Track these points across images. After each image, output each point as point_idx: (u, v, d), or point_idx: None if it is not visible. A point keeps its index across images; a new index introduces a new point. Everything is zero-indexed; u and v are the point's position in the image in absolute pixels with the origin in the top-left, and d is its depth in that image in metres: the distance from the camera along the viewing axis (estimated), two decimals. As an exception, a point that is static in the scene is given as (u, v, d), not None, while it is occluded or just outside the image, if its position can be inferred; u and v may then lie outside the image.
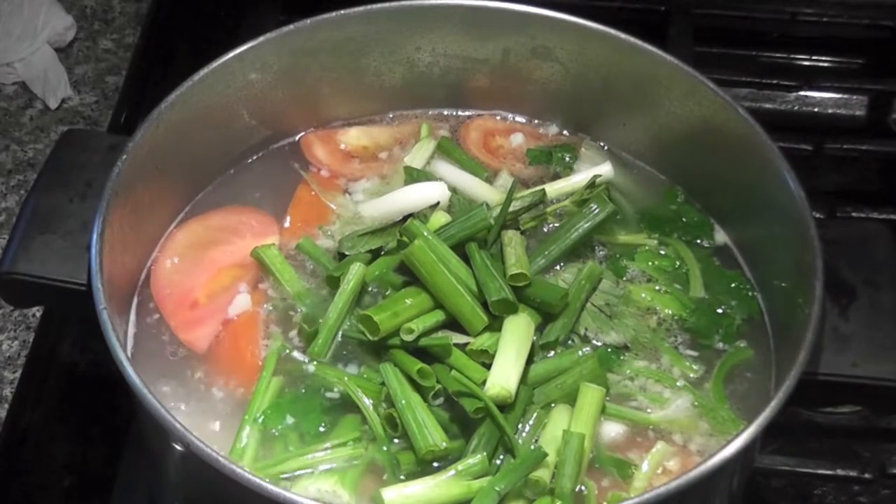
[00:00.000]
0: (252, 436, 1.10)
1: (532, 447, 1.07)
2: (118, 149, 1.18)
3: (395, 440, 1.09)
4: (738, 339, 1.21)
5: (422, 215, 1.22)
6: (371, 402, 1.10)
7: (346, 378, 1.12)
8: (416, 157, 1.37)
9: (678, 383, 1.16)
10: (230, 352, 1.18)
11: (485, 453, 1.04)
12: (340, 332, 1.16)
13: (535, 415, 1.10)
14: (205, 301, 1.22)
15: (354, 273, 1.17)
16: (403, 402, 1.08)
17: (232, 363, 1.18)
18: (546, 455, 1.04)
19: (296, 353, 1.16)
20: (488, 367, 1.10)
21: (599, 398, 1.11)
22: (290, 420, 1.11)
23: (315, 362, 1.15)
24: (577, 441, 1.06)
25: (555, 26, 1.33)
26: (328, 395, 1.13)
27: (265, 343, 1.18)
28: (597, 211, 1.23)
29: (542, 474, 1.04)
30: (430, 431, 1.06)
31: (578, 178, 1.33)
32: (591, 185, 1.28)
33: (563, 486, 1.04)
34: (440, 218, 1.22)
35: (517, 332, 1.11)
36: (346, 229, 1.28)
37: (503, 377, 1.07)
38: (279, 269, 1.22)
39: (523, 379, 1.11)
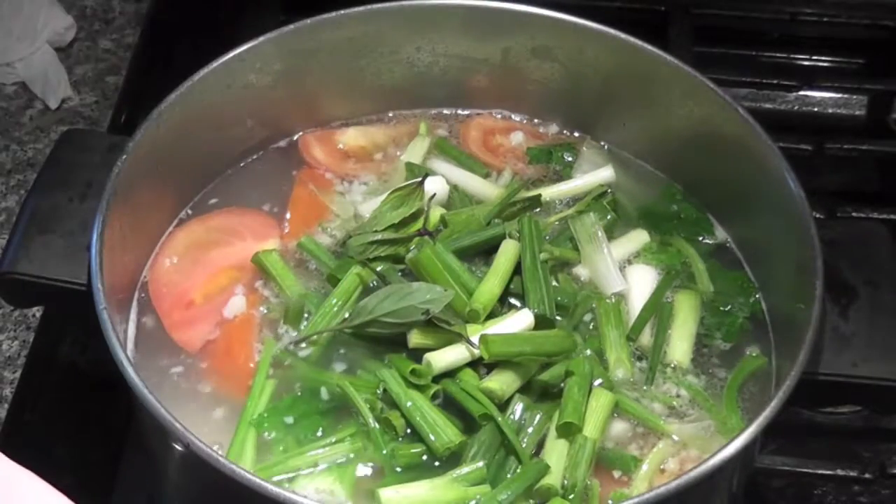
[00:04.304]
0: (249, 438, 1.10)
1: (535, 451, 1.08)
2: (118, 149, 1.18)
3: (395, 440, 1.09)
4: (740, 338, 1.21)
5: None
6: (368, 403, 1.10)
7: (341, 379, 1.12)
8: (413, 153, 1.37)
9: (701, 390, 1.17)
10: (224, 353, 1.18)
11: (483, 462, 1.04)
12: (335, 333, 1.16)
13: (537, 418, 1.10)
14: (201, 301, 1.22)
15: (352, 272, 1.18)
16: (410, 404, 1.08)
17: (226, 365, 1.18)
18: (548, 468, 1.05)
19: (291, 356, 1.16)
20: (485, 367, 1.10)
21: (611, 403, 1.11)
22: (287, 423, 1.11)
23: (311, 364, 1.15)
24: (591, 446, 1.07)
25: (555, 26, 1.33)
26: (325, 397, 1.13)
27: (259, 346, 1.18)
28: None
29: (552, 481, 1.04)
30: (443, 429, 1.06)
31: (578, 182, 1.33)
32: (599, 196, 1.29)
33: (572, 489, 1.05)
34: (436, 213, 1.23)
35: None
36: (346, 227, 1.28)
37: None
38: (280, 275, 1.22)
39: (526, 386, 1.11)
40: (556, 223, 1.29)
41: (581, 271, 1.24)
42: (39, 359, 1.42)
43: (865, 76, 1.80)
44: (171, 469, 1.10)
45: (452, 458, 1.07)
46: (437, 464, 1.07)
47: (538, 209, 1.30)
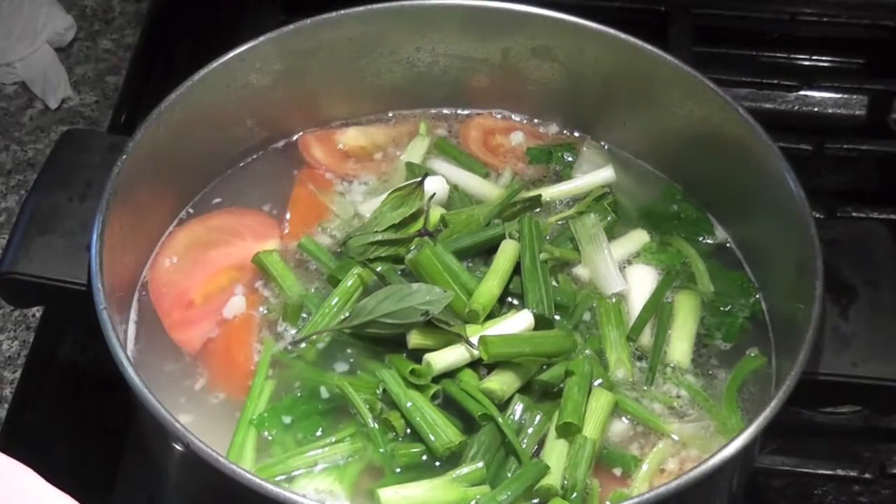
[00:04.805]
0: (249, 438, 1.10)
1: (535, 451, 1.08)
2: (118, 149, 1.18)
3: (395, 440, 1.09)
4: (740, 338, 1.21)
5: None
6: (368, 403, 1.10)
7: (340, 379, 1.12)
8: (412, 153, 1.37)
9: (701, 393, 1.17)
10: (223, 354, 1.18)
11: (482, 463, 1.04)
12: (335, 333, 1.16)
13: (537, 418, 1.10)
14: (200, 302, 1.22)
15: (355, 273, 1.18)
16: (410, 404, 1.08)
17: (225, 365, 1.18)
18: (548, 468, 1.05)
19: (291, 357, 1.16)
20: (486, 367, 1.10)
21: (610, 403, 1.11)
22: (286, 423, 1.11)
23: (311, 364, 1.15)
24: (590, 446, 1.07)
25: (555, 26, 1.33)
26: (324, 397, 1.13)
27: (258, 346, 1.18)
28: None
29: (552, 481, 1.04)
30: (443, 429, 1.06)
31: (579, 183, 1.34)
32: (599, 197, 1.29)
33: (572, 489, 1.05)
34: (436, 213, 1.23)
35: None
36: (346, 227, 1.28)
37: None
38: (280, 275, 1.22)
39: (526, 386, 1.11)
40: (557, 223, 1.29)
41: (581, 271, 1.24)
42: (39, 359, 1.42)
43: (865, 76, 1.80)
44: (171, 469, 1.10)
45: (452, 459, 1.07)
46: (437, 464, 1.07)
47: (538, 209, 1.30)
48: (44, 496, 0.78)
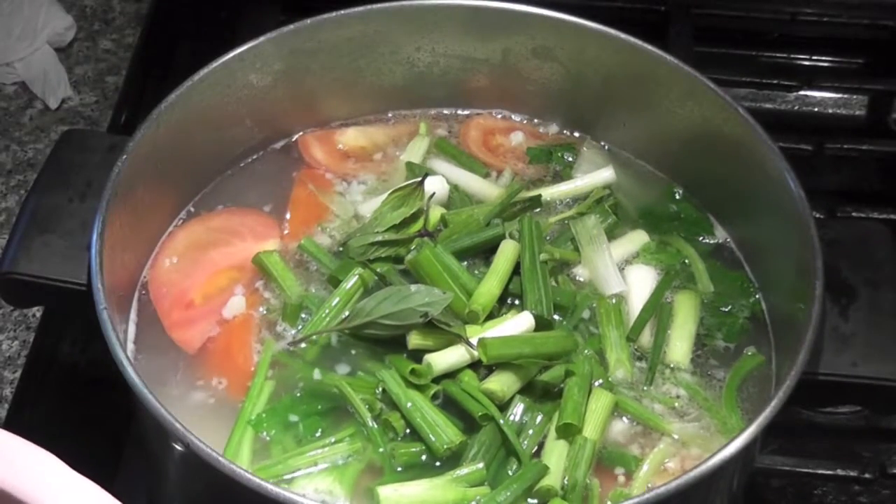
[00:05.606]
0: (246, 439, 1.10)
1: (535, 455, 1.08)
2: (118, 149, 1.18)
3: (395, 440, 1.09)
4: (741, 338, 1.21)
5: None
6: (367, 403, 1.10)
7: (339, 380, 1.12)
8: (412, 153, 1.37)
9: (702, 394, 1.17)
10: (222, 354, 1.18)
11: (482, 463, 1.04)
12: (336, 333, 1.16)
13: (538, 419, 1.10)
14: (200, 302, 1.22)
15: (355, 274, 1.18)
16: (410, 404, 1.08)
17: (225, 365, 1.18)
18: (548, 469, 1.05)
19: (290, 357, 1.16)
20: (486, 368, 1.10)
21: (611, 403, 1.11)
22: (286, 423, 1.11)
23: (310, 364, 1.15)
24: (590, 447, 1.07)
25: (555, 26, 1.33)
26: (324, 398, 1.12)
27: (258, 346, 1.18)
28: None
29: (552, 481, 1.04)
30: (443, 429, 1.06)
31: (579, 183, 1.33)
32: (600, 199, 1.29)
33: (572, 489, 1.05)
34: (436, 213, 1.23)
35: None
36: (346, 228, 1.28)
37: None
38: (280, 276, 1.22)
39: (527, 386, 1.11)
40: (557, 224, 1.29)
41: (581, 272, 1.24)
42: (39, 359, 1.42)
43: (865, 76, 1.80)
44: (171, 469, 1.10)
45: (452, 459, 1.07)
46: (437, 464, 1.07)
47: (538, 209, 1.30)
48: (70, 482, 0.78)
